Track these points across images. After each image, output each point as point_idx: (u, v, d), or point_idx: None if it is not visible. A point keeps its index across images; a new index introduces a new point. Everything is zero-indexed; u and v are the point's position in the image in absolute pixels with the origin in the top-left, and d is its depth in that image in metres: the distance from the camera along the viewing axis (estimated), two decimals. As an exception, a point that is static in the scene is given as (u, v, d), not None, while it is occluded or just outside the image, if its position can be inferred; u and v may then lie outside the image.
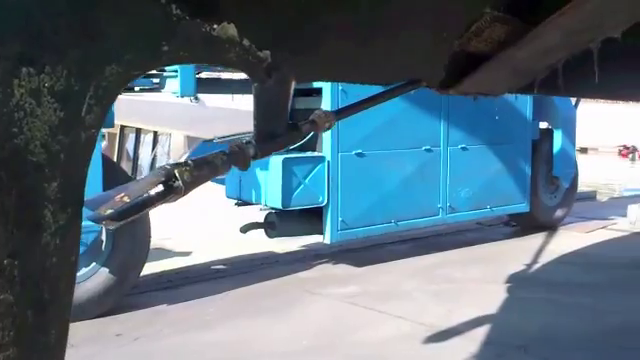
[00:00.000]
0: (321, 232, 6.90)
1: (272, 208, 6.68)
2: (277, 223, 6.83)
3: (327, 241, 6.87)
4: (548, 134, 9.19)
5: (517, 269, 7.19)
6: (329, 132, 6.63)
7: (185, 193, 1.49)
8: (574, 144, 9.52)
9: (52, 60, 1.26)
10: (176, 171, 1.46)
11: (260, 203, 6.69)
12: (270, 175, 6.37)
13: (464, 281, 6.71)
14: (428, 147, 7.49)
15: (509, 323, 5.34)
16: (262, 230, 6.95)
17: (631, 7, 2.07)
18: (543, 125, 9.29)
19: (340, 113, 2.00)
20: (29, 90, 1.22)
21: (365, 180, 6.92)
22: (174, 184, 1.46)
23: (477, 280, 6.73)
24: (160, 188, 1.44)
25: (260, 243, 7.69)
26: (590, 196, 13.43)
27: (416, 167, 7.40)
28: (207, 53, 1.50)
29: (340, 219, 6.77)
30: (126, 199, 1.42)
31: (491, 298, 6.02)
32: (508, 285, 6.52)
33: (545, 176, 9.30)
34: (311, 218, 6.82)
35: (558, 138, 9.14)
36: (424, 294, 6.22)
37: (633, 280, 6.80)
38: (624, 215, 10.37)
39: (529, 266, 7.41)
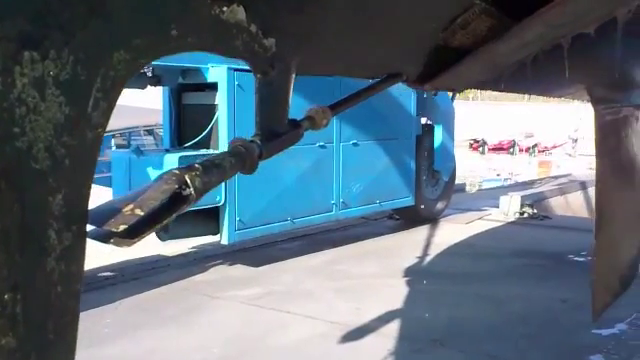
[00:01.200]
0: (216, 232, 6.65)
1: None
2: (170, 225, 6.46)
3: (224, 241, 6.62)
4: (429, 129, 9.46)
5: (411, 262, 7.32)
6: (224, 129, 6.39)
7: (195, 202, 1.30)
8: (453, 139, 9.88)
9: (58, 43, 1.04)
10: (187, 176, 1.27)
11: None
12: (165, 174, 6.01)
13: (364, 277, 6.72)
14: (322, 143, 7.43)
15: (418, 317, 5.39)
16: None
17: (611, 4, 2.08)
18: (423, 120, 9.56)
19: (335, 108, 1.84)
20: (32, 80, 0.99)
21: (262, 178, 6.72)
22: (184, 192, 1.26)
23: (376, 275, 6.77)
24: (171, 196, 1.25)
25: (146, 246, 7.26)
26: (460, 188, 14.06)
27: (311, 164, 7.32)
28: (215, 39, 1.38)
29: (238, 219, 6.54)
30: (138, 211, 1.20)
31: (395, 293, 6.06)
32: (407, 279, 6.61)
33: (427, 170, 9.57)
34: (206, 218, 6.53)
35: (439, 133, 9.44)
36: (328, 292, 6.15)
37: (521, 269, 7.14)
38: (496, 206, 10.93)
39: (422, 258, 7.58)
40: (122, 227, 1.16)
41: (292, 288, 6.29)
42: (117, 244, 1.21)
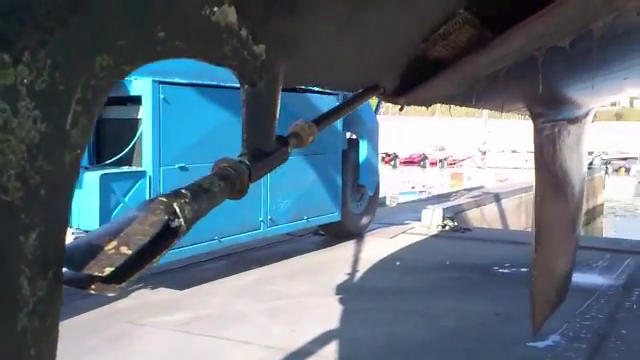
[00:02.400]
0: (140, 255, 6.28)
1: (86, 231, 5.92)
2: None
3: (151, 263, 6.26)
4: (354, 144, 9.42)
5: (342, 279, 7.20)
6: (149, 145, 6.08)
7: (185, 234, 1.12)
8: (377, 153, 9.88)
9: (33, 43, 0.84)
10: (175, 205, 1.08)
11: (72, 227, 5.88)
12: (85, 194, 5.61)
13: (295, 296, 6.53)
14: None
15: (355, 337, 5.25)
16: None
17: (589, 17, 2.02)
18: (348, 135, 9.51)
19: (319, 123, 1.67)
20: (2, 89, 0.79)
21: (188, 196, 6.43)
22: (173, 223, 1.07)
23: (308, 294, 6.59)
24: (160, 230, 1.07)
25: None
26: (381, 202, 14.14)
27: (238, 180, 7.08)
28: (204, 44, 1.20)
29: (163, 240, 6.20)
30: (124, 249, 1.01)
31: (328, 312, 5.91)
32: (339, 297, 6.47)
33: (352, 185, 9.51)
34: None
35: (364, 148, 9.41)
36: (260, 314, 5.92)
37: (450, 282, 7.15)
38: (417, 219, 11.02)
39: (352, 275, 7.47)
40: (108, 270, 0.97)
41: (222, 311, 6.02)
42: (99, 291, 1.01)
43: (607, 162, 42.09)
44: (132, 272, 0.98)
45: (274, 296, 6.51)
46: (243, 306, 6.15)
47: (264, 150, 1.45)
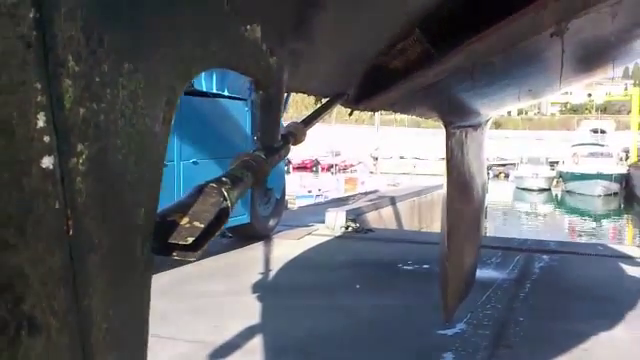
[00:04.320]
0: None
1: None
2: None
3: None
4: (262, 148, 9.64)
5: (257, 278, 7.41)
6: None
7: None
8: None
9: (150, 52, 1.06)
10: (223, 190, 1.30)
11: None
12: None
13: (214, 295, 6.68)
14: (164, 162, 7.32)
15: (278, 331, 5.49)
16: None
17: (515, 41, 2.40)
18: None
19: (307, 123, 1.92)
20: (129, 93, 1.00)
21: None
22: (223, 204, 1.30)
23: (226, 293, 6.76)
24: (219, 208, 1.29)
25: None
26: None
27: (154, 182, 7.20)
28: (238, 56, 1.45)
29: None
30: (197, 224, 1.22)
31: (249, 309, 6.11)
32: (257, 295, 6.69)
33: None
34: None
35: (271, 151, 9.65)
36: (182, 313, 6.03)
37: (360, 279, 7.52)
38: (320, 221, 11.39)
39: (266, 274, 7.70)
40: (190, 239, 1.17)
41: (143, 311, 6.07)
42: (182, 257, 1.22)
43: (488, 168, 44.49)
44: (204, 241, 1.19)
45: (193, 295, 6.63)
46: (164, 305, 6.22)
47: (273, 146, 1.70)
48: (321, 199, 21.20)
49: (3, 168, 0.75)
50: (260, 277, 7.49)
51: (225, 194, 1.29)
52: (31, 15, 0.74)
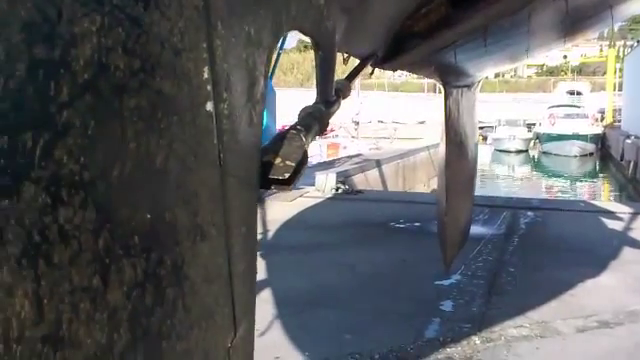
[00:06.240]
0: None
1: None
2: None
3: None
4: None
5: (259, 237, 7.67)
6: None
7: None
8: (275, 121, 10.39)
9: (259, 14, 1.27)
10: (302, 135, 1.54)
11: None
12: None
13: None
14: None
15: (288, 285, 5.78)
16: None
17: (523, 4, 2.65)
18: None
19: (350, 81, 2.17)
20: (248, 54, 1.22)
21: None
22: (305, 147, 1.54)
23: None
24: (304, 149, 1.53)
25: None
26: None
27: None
28: (307, 20, 1.64)
29: None
30: (289, 162, 1.46)
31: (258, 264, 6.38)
32: (260, 253, 6.96)
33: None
34: None
35: (264, 117, 9.86)
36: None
37: (356, 237, 7.85)
38: (310, 184, 11.66)
39: (265, 234, 7.98)
40: (287, 175, 1.42)
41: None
42: (280, 189, 1.47)
43: (468, 130, 44.84)
44: (296, 177, 1.44)
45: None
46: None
47: (329, 99, 1.95)
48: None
49: (185, 110, 0.99)
50: (259, 237, 7.77)
51: (303, 139, 1.54)
52: None
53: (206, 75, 1.05)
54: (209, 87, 1.06)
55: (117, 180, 0.79)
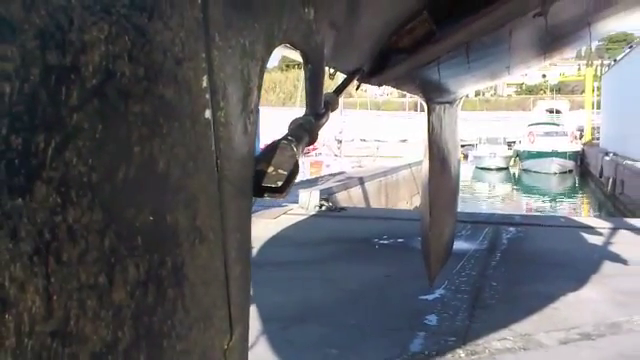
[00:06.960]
0: None
1: None
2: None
3: None
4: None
5: (241, 255, 7.67)
6: None
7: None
8: (259, 140, 10.42)
9: (253, 27, 1.32)
10: (292, 145, 1.58)
11: None
12: None
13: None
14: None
15: (274, 301, 5.78)
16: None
17: (505, 20, 2.73)
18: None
19: (337, 94, 2.22)
20: (244, 66, 1.27)
21: None
22: (296, 157, 1.58)
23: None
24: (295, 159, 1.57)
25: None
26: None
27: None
28: (297, 35, 1.69)
29: None
30: (281, 171, 1.49)
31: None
32: (244, 270, 6.96)
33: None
34: None
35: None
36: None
37: (340, 253, 7.88)
38: (294, 201, 11.69)
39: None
40: (279, 183, 1.46)
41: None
42: (273, 197, 1.51)
43: (449, 149, 45.17)
44: (288, 185, 1.48)
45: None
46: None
47: (318, 112, 2.00)
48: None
49: (185, 116, 1.03)
50: (244, 254, 7.76)
51: (294, 149, 1.57)
52: (199, 1, 1.01)
53: (205, 84, 1.08)
54: (207, 95, 1.09)
55: (122, 182, 0.82)
